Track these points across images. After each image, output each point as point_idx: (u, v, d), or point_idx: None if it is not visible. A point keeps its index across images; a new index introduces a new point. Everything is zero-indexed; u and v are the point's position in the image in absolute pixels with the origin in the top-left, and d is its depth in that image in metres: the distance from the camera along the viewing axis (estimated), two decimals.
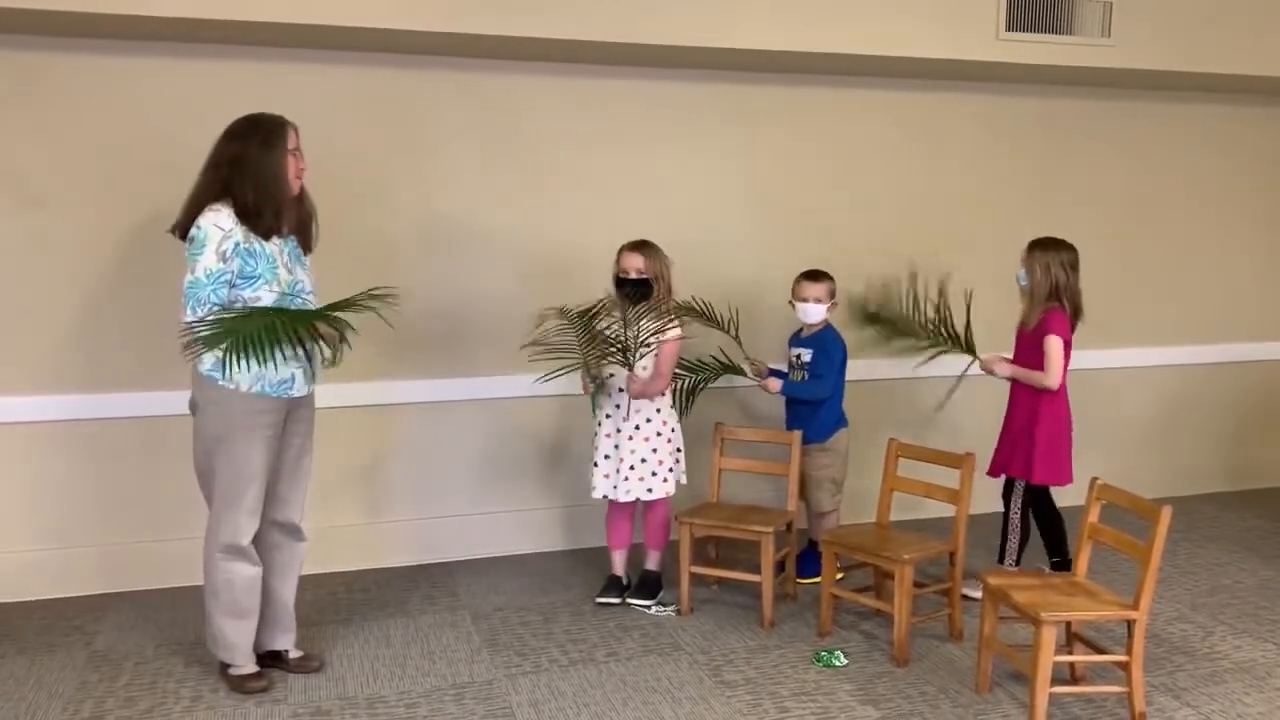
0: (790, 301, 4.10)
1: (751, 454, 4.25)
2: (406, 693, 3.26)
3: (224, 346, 2.95)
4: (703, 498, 4.18)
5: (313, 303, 3.26)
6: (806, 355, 4.12)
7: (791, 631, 3.73)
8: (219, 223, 3.01)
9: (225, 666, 3.29)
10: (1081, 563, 3.24)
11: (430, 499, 4.44)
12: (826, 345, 4.08)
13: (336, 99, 4.08)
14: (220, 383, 3.07)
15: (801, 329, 4.17)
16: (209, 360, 3.07)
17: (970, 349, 4.02)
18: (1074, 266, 3.90)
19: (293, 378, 3.16)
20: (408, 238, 4.25)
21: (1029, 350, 3.93)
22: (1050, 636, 2.93)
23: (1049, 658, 2.93)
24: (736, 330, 4.18)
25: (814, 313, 4.05)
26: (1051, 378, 3.84)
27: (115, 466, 4.02)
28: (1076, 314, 3.92)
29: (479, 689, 3.29)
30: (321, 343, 3.12)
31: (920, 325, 4.07)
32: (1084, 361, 5.24)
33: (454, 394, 4.38)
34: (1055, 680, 2.99)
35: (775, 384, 4.09)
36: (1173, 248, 5.38)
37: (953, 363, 4.12)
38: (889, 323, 4.17)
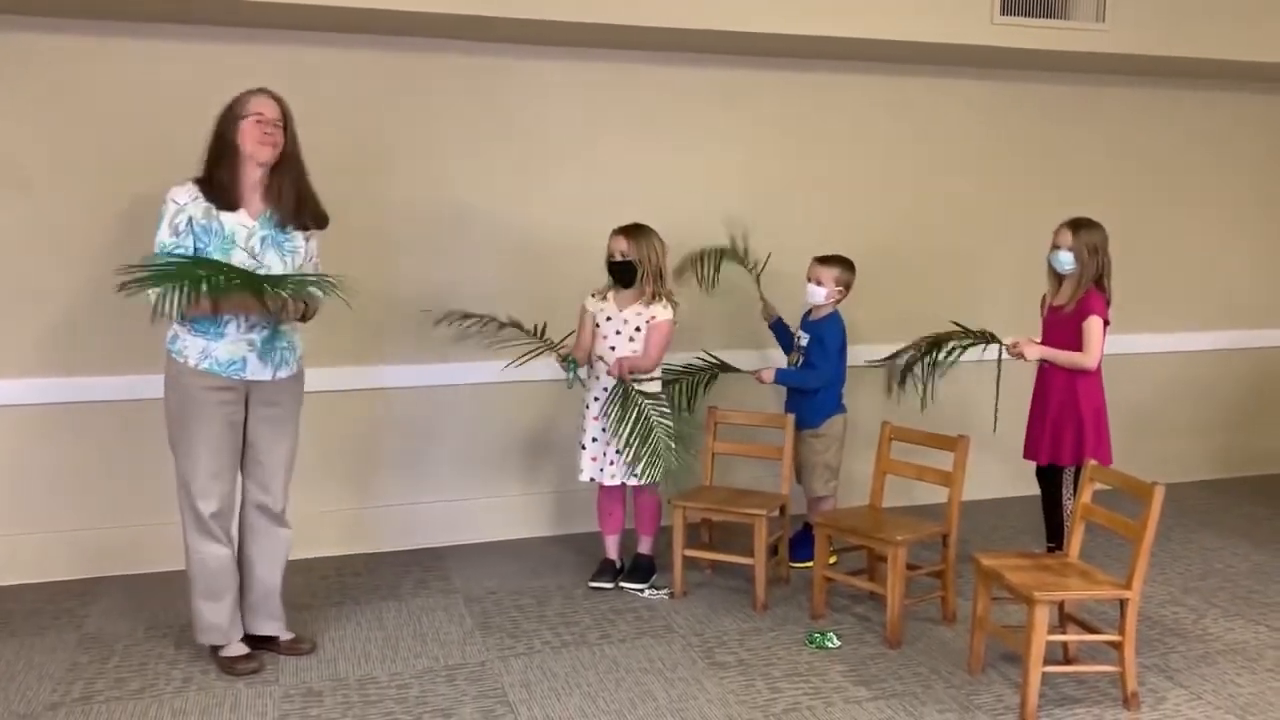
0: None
1: (745, 438, 4.24)
2: (398, 674, 3.25)
3: (153, 284, 2.87)
4: (696, 481, 4.17)
5: None
6: (805, 340, 4.12)
7: (785, 614, 3.72)
8: (175, 197, 3.03)
9: (216, 649, 3.27)
10: (1074, 544, 3.24)
11: (422, 483, 4.42)
12: (823, 334, 4.07)
13: (328, 81, 4.05)
14: (173, 356, 3.09)
15: (810, 310, 4.16)
16: (169, 333, 3.10)
17: (992, 336, 3.93)
18: (1107, 245, 3.91)
19: (243, 360, 3.11)
20: (399, 222, 4.22)
21: (1065, 331, 3.88)
22: (1043, 616, 2.92)
23: (1042, 637, 2.92)
24: (761, 269, 4.26)
25: (814, 294, 4.06)
26: (1090, 358, 3.81)
27: (105, 450, 4.00)
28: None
29: (471, 670, 3.28)
30: (273, 306, 3.04)
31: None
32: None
33: (446, 378, 4.36)
34: (1048, 660, 2.98)
35: (769, 374, 4.07)
36: (1166, 234, 5.37)
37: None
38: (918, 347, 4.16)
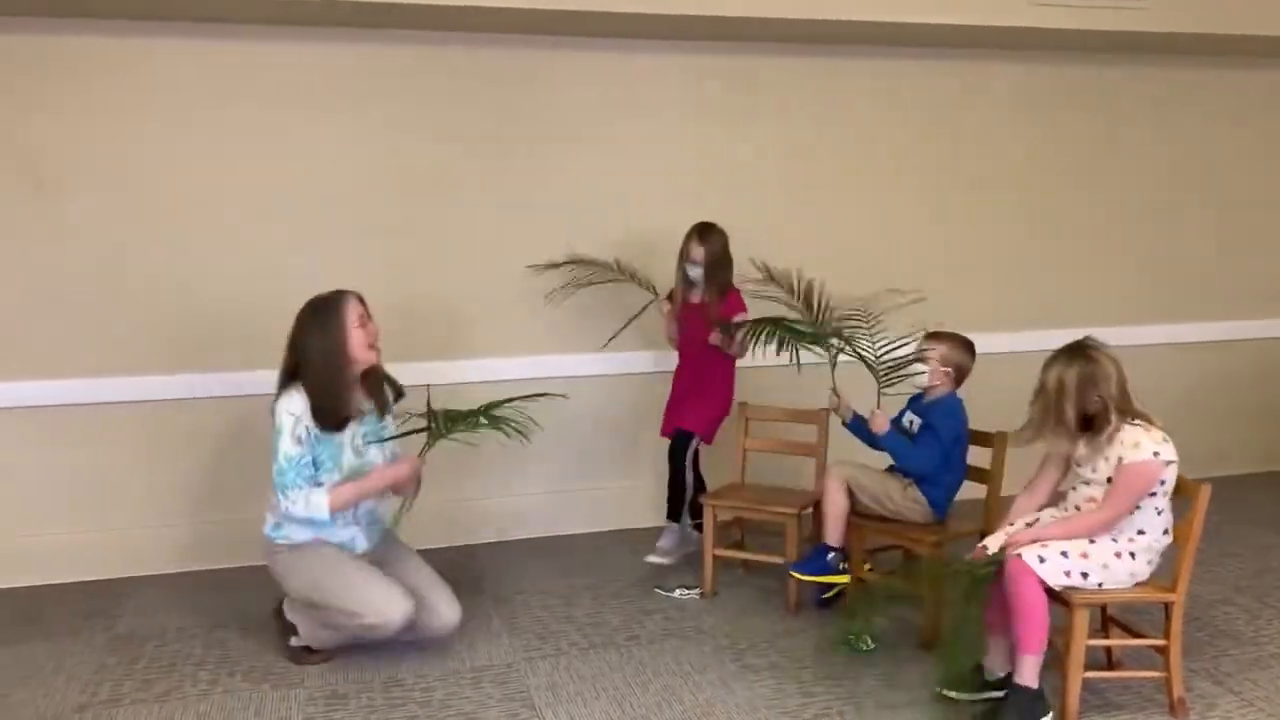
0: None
1: (780, 433, 4.14)
2: (424, 676, 3.21)
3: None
4: (728, 478, 4.10)
5: None
6: (915, 424, 3.54)
7: (818, 615, 3.63)
8: (291, 409, 3.08)
9: (289, 637, 3.31)
10: None
11: (452, 482, 4.38)
12: (934, 419, 3.46)
13: (338, 77, 4.01)
14: (278, 541, 3.17)
15: (924, 392, 3.54)
16: (269, 521, 3.19)
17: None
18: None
19: (354, 539, 3.24)
20: (414, 218, 4.19)
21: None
22: (1084, 620, 2.82)
23: (1083, 642, 2.82)
24: (839, 351, 3.54)
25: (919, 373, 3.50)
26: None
27: (139, 450, 4.01)
28: None
29: (497, 672, 3.24)
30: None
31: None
32: (1118, 339, 5.10)
33: (471, 375, 4.31)
34: (1090, 665, 2.88)
35: (882, 422, 3.49)
36: (1212, 218, 5.20)
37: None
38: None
